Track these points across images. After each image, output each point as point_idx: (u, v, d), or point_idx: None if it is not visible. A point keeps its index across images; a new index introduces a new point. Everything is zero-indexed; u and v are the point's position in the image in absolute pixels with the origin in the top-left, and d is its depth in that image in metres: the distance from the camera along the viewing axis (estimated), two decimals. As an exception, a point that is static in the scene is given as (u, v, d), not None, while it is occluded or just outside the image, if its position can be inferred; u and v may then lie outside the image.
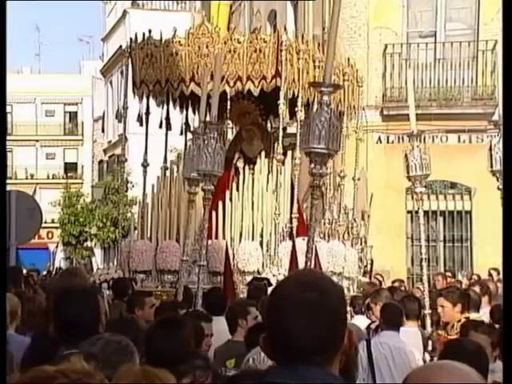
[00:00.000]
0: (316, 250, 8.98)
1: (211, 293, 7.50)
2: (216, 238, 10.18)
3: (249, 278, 9.40)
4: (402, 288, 12.07)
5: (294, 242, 9.34)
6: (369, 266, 12.86)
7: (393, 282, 13.28)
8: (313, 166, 4.92)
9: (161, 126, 11.80)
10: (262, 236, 10.26)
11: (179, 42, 10.81)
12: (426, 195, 16.72)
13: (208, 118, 7.87)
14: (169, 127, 11.88)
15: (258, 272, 9.89)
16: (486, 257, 14.97)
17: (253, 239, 10.18)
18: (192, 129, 11.54)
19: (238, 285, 9.42)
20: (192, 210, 7.91)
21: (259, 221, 10.30)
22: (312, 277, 2.12)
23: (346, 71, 11.75)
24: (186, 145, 11.48)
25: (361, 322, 8.36)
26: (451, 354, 4.38)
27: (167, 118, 11.81)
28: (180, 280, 7.99)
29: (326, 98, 4.86)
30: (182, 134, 12.11)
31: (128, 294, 9.33)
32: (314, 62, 10.79)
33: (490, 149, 18.43)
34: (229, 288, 8.48)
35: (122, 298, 9.20)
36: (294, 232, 10.23)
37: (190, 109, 12.14)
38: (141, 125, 11.48)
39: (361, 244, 12.16)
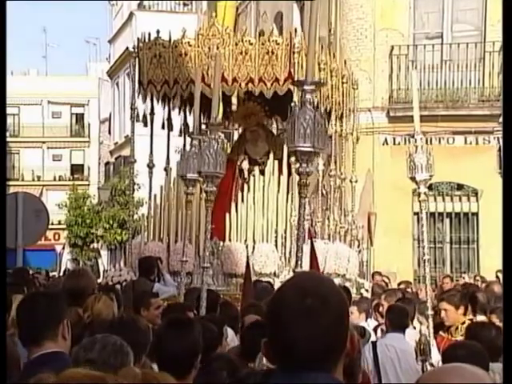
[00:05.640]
0: (314, 250, 8.99)
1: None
2: (230, 239, 10.18)
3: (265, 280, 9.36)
4: (409, 290, 12.04)
5: (312, 243, 9.32)
6: (365, 268, 12.90)
7: (399, 283, 13.25)
8: (299, 164, 4.95)
9: (163, 127, 11.82)
10: (276, 238, 10.26)
11: (188, 42, 10.81)
12: (432, 197, 16.73)
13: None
14: (171, 128, 11.89)
15: (275, 274, 9.89)
16: (493, 259, 14.91)
17: (267, 241, 10.18)
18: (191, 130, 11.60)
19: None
20: (190, 211, 7.95)
21: (273, 223, 10.30)
22: (312, 282, 2.09)
23: (345, 73, 11.83)
24: (184, 145, 11.52)
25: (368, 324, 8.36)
26: (453, 356, 4.38)
27: (169, 119, 11.82)
28: (181, 281, 8.00)
29: (308, 96, 4.89)
30: (180, 134, 12.12)
31: (154, 272, 9.41)
32: (318, 64, 10.82)
33: (499, 150, 18.41)
34: (248, 292, 8.44)
35: (148, 277, 9.24)
36: (306, 233, 10.27)
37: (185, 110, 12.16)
38: (145, 126, 11.49)
39: (358, 246, 12.21)
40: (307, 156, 4.91)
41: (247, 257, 9.18)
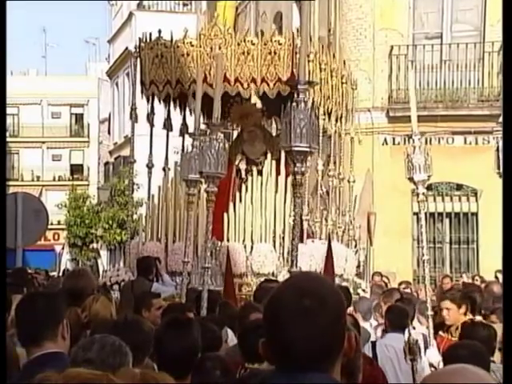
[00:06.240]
0: (331, 252, 9.01)
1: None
2: (228, 240, 10.18)
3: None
4: (408, 290, 12.05)
5: (329, 245, 9.38)
6: (362, 268, 12.93)
7: (399, 283, 13.25)
8: (294, 164, 4.95)
9: (165, 127, 11.82)
10: (274, 238, 10.26)
11: (190, 42, 10.80)
12: (431, 197, 16.73)
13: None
14: (170, 128, 11.88)
15: (273, 274, 9.88)
16: (493, 259, 14.92)
17: (265, 241, 10.18)
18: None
19: (253, 287, 9.42)
20: (191, 212, 7.95)
21: (271, 223, 10.30)
22: (310, 282, 2.09)
23: (344, 74, 11.85)
24: (183, 146, 11.53)
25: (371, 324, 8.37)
26: (454, 356, 4.38)
27: (168, 119, 11.80)
28: (182, 282, 8.02)
29: (302, 95, 4.89)
30: (180, 135, 12.13)
31: (152, 272, 9.42)
32: (320, 64, 10.82)
33: (497, 150, 18.42)
34: (229, 291, 8.48)
35: (147, 277, 9.26)
36: (305, 234, 10.31)
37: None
38: (150, 125, 11.51)
39: (356, 246, 12.23)
40: (303, 156, 4.92)
41: (227, 251, 9.21)
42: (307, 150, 4.94)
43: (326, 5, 18.03)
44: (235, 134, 13.14)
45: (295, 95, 5.20)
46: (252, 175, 10.86)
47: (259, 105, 11.61)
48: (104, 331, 3.79)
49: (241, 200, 10.38)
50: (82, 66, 59.68)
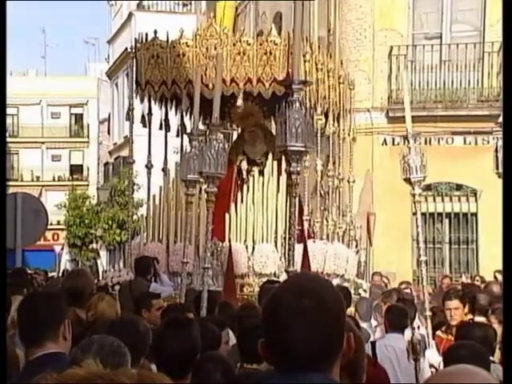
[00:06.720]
0: (307, 251, 9.05)
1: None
2: (229, 240, 10.19)
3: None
4: (408, 290, 12.04)
5: (305, 244, 9.40)
6: (363, 268, 12.95)
7: (400, 283, 13.25)
8: (289, 164, 4.95)
9: (161, 128, 11.82)
10: (276, 238, 10.27)
11: (186, 43, 10.81)
12: (431, 197, 16.74)
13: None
14: (168, 129, 11.88)
15: (275, 274, 9.88)
16: (492, 259, 14.93)
17: (267, 241, 10.18)
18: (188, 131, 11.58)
19: (254, 287, 9.42)
20: (191, 212, 7.95)
21: (272, 223, 10.30)
22: (309, 282, 2.10)
23: (341, 74, 11.86)
24: (181, 146, 11.50)
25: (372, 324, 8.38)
26: (454, 356, 4.37)
27: (166, 120, 11.80)
28: (181, 282, 8.03)
29: (296, 95, 4.89)
30: (178, 135, 12.13)
31: (150, 272, 9.43)
32: (316, 64, 10.83)
33: (496, 150, 18.41)
34: (230, 292, 8.48)
35: (145, 277, 9.26)
36: (306, 234, 10.32)
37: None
38: (144, 126, 11.49)
39: (356, 246, 12.24)
40: (298, 155, 4.92)
41: (229, 252, 9.21)
42: (302, 149, 4.94)
43: (325, 5, 18.03)
44: (235, 134, 13.14)
45: (290, 95, 5.20)
46: (253, 175, 10.87)
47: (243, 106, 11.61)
48: (103, 331, 3.80)
49: (242, 200, 10.39)
50: (81, 66, 59.89)
